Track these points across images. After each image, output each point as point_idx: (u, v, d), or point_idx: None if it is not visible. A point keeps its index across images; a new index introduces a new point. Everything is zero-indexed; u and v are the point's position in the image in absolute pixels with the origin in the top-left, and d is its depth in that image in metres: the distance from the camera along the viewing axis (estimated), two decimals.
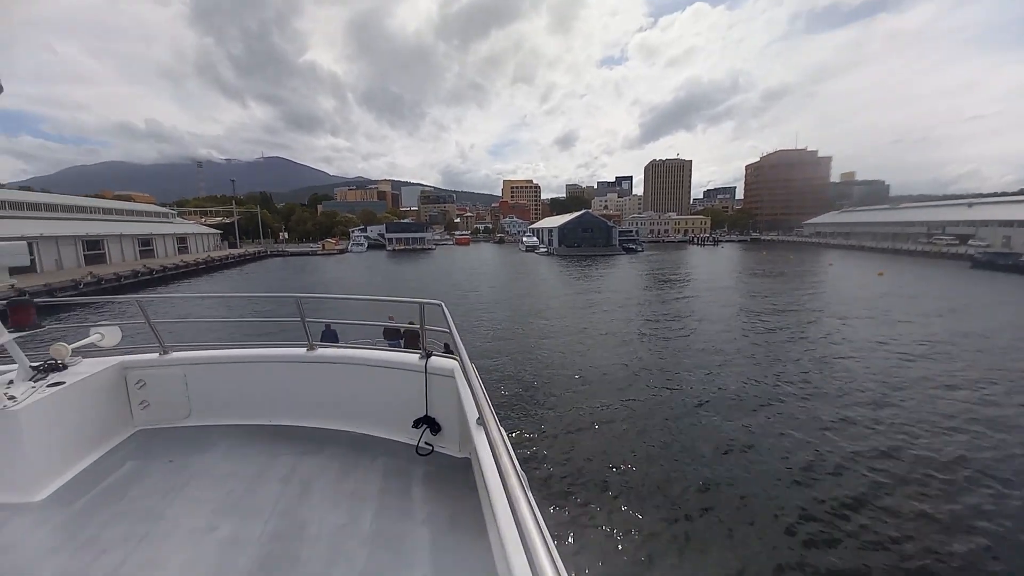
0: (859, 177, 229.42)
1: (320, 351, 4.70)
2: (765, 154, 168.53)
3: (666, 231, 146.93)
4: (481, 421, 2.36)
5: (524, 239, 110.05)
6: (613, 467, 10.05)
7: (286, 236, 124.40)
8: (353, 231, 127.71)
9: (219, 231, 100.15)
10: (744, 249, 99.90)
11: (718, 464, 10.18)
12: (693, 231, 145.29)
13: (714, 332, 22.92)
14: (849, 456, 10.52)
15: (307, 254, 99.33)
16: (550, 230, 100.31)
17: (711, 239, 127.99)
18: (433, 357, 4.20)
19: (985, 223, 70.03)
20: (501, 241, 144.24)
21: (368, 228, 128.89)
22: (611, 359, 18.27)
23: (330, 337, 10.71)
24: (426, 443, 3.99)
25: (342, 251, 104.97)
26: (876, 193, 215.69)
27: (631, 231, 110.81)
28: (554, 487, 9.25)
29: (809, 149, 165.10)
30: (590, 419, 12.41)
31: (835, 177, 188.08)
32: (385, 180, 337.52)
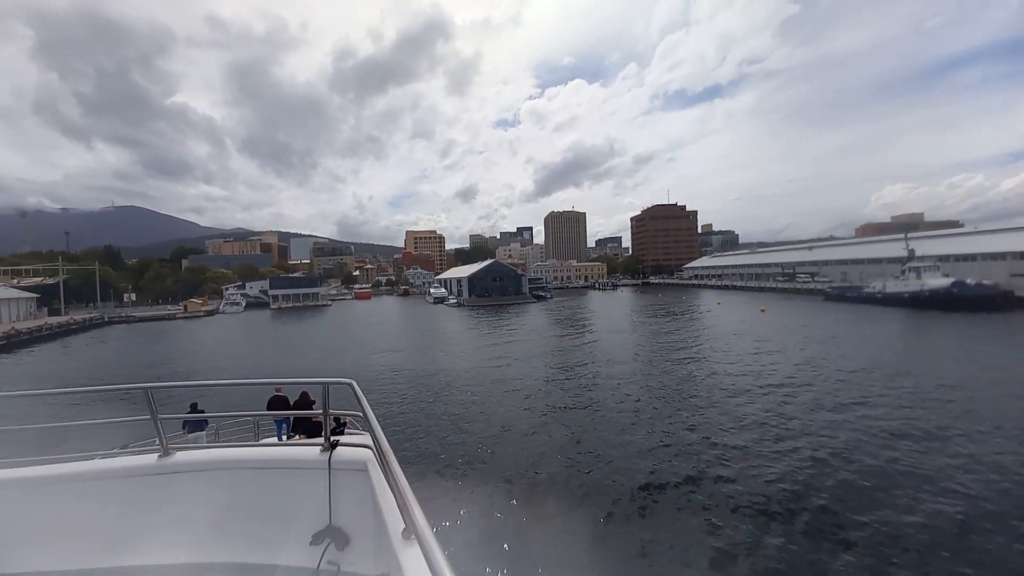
0: (715, 228, 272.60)
1: (180, 456, 3.67)
2: (645, 208, 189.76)
3: (569, 277, 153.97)
4: (409, 530, 2.01)
5: (432, 290, 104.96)
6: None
7: (133, 298, 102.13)
8: (228, 288, 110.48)
9: (35, 295, 78.38)
10: (641, 292, 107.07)
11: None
12: (593, 276, 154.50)
13: (656, 373, 22.48)
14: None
15: (163, 318, 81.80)
16: (459, 280, 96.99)
17: (611, 284, 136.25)
18: (340, 448, 3.39)
19: (826, 263, 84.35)
20: (406, 293, 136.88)
21: (248, 284, 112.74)
22: (543, 423, 16.40)
23: (195, 427, 8.53)
24: (330, 562, 3.17)
25: (211, 312, 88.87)
26: (730, 241, 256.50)
27: (539, 279, 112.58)
28: None
29: (679, 204, 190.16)
30: (525, 506, 10.90)
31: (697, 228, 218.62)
32: (270, 231, 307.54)
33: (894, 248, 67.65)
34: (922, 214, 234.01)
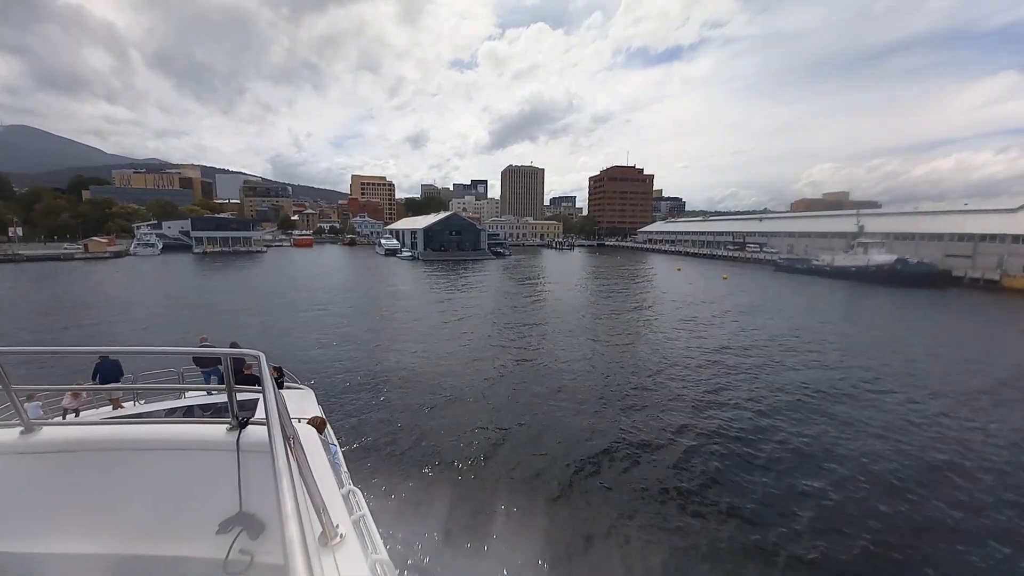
0: (664, 194, 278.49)
1: (47, 433, 3.15)
2: (603, 168, 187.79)
3: (524, 235, 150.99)
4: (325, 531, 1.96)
5: (383, 241, 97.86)
6: None
7: (20, 233, 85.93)
8: (140, 227, 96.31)
9: None
10: (599, 254, 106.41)
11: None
12: (549, 235, 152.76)
13: (658, 345, 19.75)
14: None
15: (58, 258, 69.58)
16: (413, 232, 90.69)
17: (567, 244, 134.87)
18: (250, 427, 3.04)
19: (775, 234, 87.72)
20: (353, 243, 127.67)
21: (165, 224, 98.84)
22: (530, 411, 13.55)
23: (109, 372, 8.21)
24: (242, 551, 2.86)
25: (119, 254, 76.99)
26: (677, 208, 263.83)
27: (498, 235, 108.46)
28: None
29: (636, 167, 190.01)
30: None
31: None
32: (191, 165, 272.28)
33: (839, 223, 71.18)
34: (847, 193, 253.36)
